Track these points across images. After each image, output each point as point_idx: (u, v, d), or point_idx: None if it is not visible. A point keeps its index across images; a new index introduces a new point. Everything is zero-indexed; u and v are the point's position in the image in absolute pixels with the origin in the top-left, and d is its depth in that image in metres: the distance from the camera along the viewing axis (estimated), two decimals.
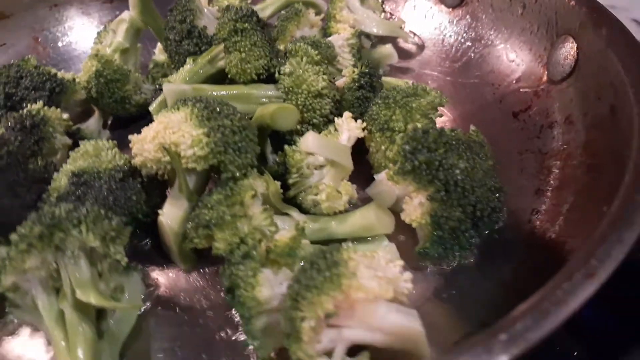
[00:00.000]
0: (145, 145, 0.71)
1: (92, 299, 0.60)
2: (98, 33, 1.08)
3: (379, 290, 0.54)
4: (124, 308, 0.64)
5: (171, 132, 0.70)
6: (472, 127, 0.74)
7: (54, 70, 0.94)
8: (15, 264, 0.61)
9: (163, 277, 0.75)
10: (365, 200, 0.79)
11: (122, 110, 1.00)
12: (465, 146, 0.70)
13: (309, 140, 0.73)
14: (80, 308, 0.62)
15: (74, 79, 0.96)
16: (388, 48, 1.09)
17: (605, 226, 0.48)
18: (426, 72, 1.09)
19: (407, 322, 0.56)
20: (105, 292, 0.64)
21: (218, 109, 0.72)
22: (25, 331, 0.70)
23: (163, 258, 0.77)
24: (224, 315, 0.70)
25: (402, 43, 1.15)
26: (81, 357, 0.58)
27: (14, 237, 0.61)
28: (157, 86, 0.97)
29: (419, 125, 0.76)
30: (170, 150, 0.69)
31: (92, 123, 0.99)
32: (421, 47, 1.13)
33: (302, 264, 0.60)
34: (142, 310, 0.70)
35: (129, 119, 1.03)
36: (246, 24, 0.85)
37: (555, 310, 0.42)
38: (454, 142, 0.69)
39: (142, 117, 1.02)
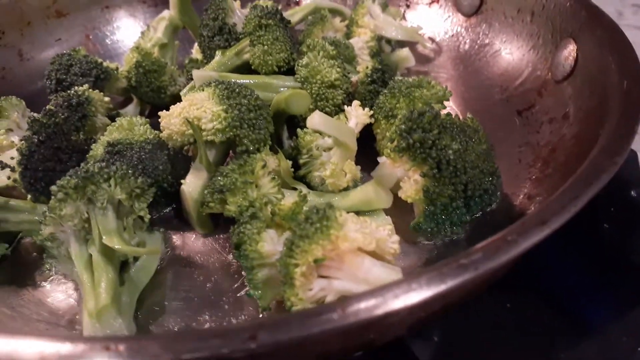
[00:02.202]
0: (172, 119, 0.81)
1: (116, 244, 0.68)
2: (142, 32, 1.20)
3: (362, 240, 0.60)
4: (142, 252, 0.73)
5: (195, 108, 0.79)
6: (468, 114, 0.80)
7: (100, 60, 1.06)
8: (54, 213, 0.70)
9: (182, 240, 0.83)
10: None
11: (158, 100, 1.10)
12: (459, 129, 0.76)
13: (315, 118, 0.81)
14: (105, 254, 0.70)
15: (117, 68, 1.08)
16: (405, 51, 1.16)
17: (568, 184, 0.54)
18: (441, 75, 1.15)
19: (390, 276, 0.61)
20: (129, 242, 0.72)
21: (237, 89, 0.81)
22: (57, 278, 0.79)
23: (183, 224, 0.86)
24: (234, 274, 0.77)
25: (420, 49, 1.22)
26: (102, 291, 0.66)
27: (53, 188, 0.71)
28: (188, 76, 1.07)
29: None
30: (192, 123, 0.78)
31: (131, 109, 1.10)
32: (438, 52, 1.20)
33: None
34: (161, 265, 0.78)
35: (164, 109, 1.13)
36: (270, 21, 0.95)
37: (506, 248, 0.47)
38: (448, 125, 0.75)
39: None
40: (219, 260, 0.80)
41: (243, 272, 0.77)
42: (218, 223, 0.84)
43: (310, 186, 0.86)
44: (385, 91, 0.88)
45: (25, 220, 0.81)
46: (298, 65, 0.92)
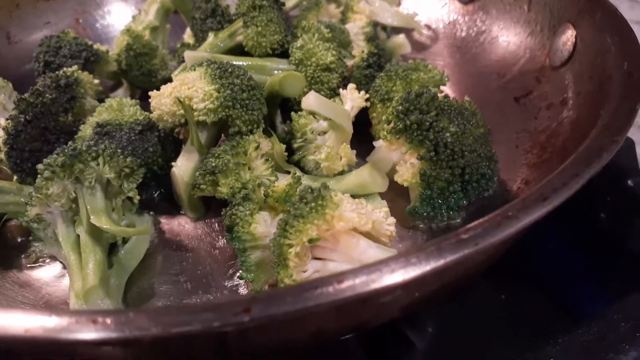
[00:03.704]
0: (163, 99, 0.78)
1: (104, 224, 0.66)
2: (133, 17, 1.18)
3: (358, 221, 0.58)
4: (131, 233, 0.71)
5: (186, 88, 0.77)
6: (466, 98, 0.79)
7: (90, 42, 1.03)
8: (40, 193, 0.68)
9: (172, 224, 0.81)
10: None
11: (149, 84, 1.07)
12: (457, 112, 0.74)
13: (310, 99, 0.79)
14: (93, 234, 0.68)
15: (107, 51, 1.05)
16: (401, 38, 1.14)
17: (569, 162, 0.52)
18: (437, 62, 1.14)
19: (386, 257, 0.60)
20: (118, 223, 0.70)
21: (230, 69, 0.79)
22: (44, 260, 0.77)
23: (173, 207, 0.83)
24: (226, 258, 0.75)
25: (416, 36, 1.20)
26: (90, 272, 0.64)
27: (40, 166, 0.69)
28: (180, 60, 1.04)
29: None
30: (183, 103, 0.76)
31: (120, 93, 1.08)
32: (434, 39, 1.19)
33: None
34: (150, 248, 0.76)
35: None
36: (264, 2, 0.93)
37: (507, 223, 0.46)
38: (445, 107, 0.74)
39: None
40: (210, 244, 0.78)
41: (236, 256, 0.75)
42: (209, 207, 0.82)
43: (304, 170, 0.84)
44: (382, 74, 0.86)
45: (10, 201, 0.79)
46: (292, 47, 0.90)
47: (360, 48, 1.02)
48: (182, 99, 0.76)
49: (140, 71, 1.05)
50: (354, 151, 0.84)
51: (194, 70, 0.80)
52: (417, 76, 0.83)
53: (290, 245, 0.59)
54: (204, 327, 0.39)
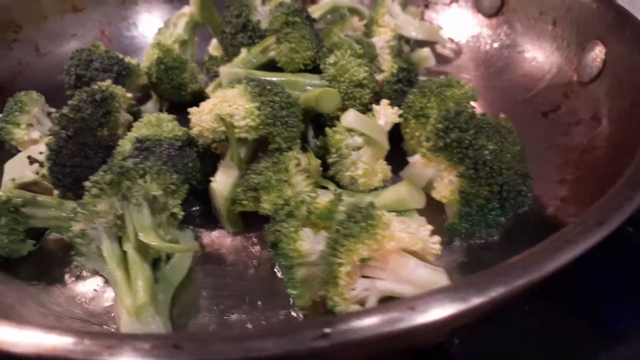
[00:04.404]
0: (203, 116, 0.80)
1: (153, 241, 0.68)
2: (159, 29, 1.19)
3: (409, 241, 0.60)
4: (181, 250, 0.72)
5: (227, 105, 0.78)
6: (501, 115, 0.80)
7: (121, 55, 1.04)
8: (87, 209, 0.69)
9: (211, 238, 0.82)
10: None
11: (178, 97, 1.09)
12: (495, 130, 0.76)
13: (350, 116, 0.81)
14: (141, 251, 0.69)
15: (138, 64, 1.06)
16: (426, 51, 1.16)
17: (621, 183, 0.54)
18: (462, 75, 1.15)
19: (435, 276, 0.61)
20: (165, 239, 0.72)
21: (268, 87, 0.80)
22: (86, 275, 0.78)
23: (212, 222, 0.85)
24: (267, 272, 0.77)
25: (440, 49, 1.22)
26: (140, 288, 0.65)
27: (87, 183, 0.70)
28: (212, 73, 1.05)
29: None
30: (225, 120, 0.77)
31: (150, 106, 1.09)
32: (458, 52, 1.20)
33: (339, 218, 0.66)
34: (193, 263, 0.77)
35: (183, 107, 1.12)
36: (297, 18, 0.94)
37: (566, 248, 0.47)
38: (484, 125, 0.75)
39: (196, 105, 1.12)
40: (250, 258, 0.79)
41: (276, 270, 0.77)
42: (248, 221, 0.84)
43: (339, 185, 0.85)
44: (416, 90, 0.87)
45: (52, 216, 0.80)
46: (325, 63, 0.92)
47: (386, 62, 1.03)
48: (223, 117, 0.77)
49: (171, 84, 1.06)
50: (389, 167, 0.85)
51: (233, 87, 0.81)
52: (451, 93, 0.84)
53: (341, 264, 0.61)
54: (281, 352, 0.40)
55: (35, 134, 0.97)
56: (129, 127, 0.95)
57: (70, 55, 1.06)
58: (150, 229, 0.69)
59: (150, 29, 1.28)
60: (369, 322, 0.40)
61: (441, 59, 1.20)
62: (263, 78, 0.90)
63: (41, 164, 0.80)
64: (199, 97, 1.10)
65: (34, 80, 1.14)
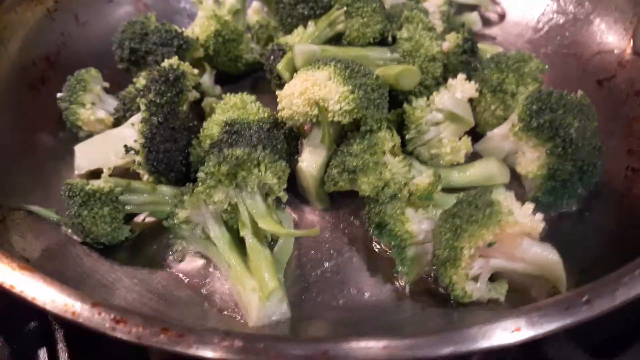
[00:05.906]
0: (294, 100, 0.80)
1: (273, 227, 0.71)
2: None
3: (531, 225, 0.64)
4: (304, 234, 0.76)
5: (318, 89, 0.79)
6: (580, 92, 0.83)
7: (179, 28, 1.02)
8: (202, 198, 0.71)
9: (301, 216, 0.86)
10: (470, 157, 0.89)
11: (234, 68, 1.08)
12: (579, 108, 0.79)
13: (445, 99, 0.83)
14: (259, 237, 0.72)
15: (197, 38, 1.04)
16: (474, 15, 1.17)
17: None
18: (509, 39, 1.17)
19: (548, 254, 0.66)
20: (281, 224, 0.74)
21: (356, 69, 0.81)
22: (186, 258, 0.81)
23: (298, 200, 0.87)
24: (361, 247, 0.81)
25: (483, 11, 1.22)
26: (267, 274, 0.69)
27: (200, 174, 0.72)
28: (273, 47, 1.04)
29: (530, 88, 0.86)
30: (320, 105, 0.78)
31: (207, 79, 1.08)
32: (502, 16, 1.21)
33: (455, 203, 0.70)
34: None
35: (230, 76, 1.11)
36: None
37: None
38: (570, 105, 0.79)
39: (247, 75, 1.12)
40: (343, 234, 0.83)
41: (374, 245, 0.81)
42: (333, 198, 0.87)
43: (418, 160, 0.88)
44: (491, 65, 0.90)
45: (147, 201, 0.81)
46: (399, 37, 0.92)
47: (437, 27, 1.04)
48: (318, 101, 0.78)
49: (228, 57, 1.06)
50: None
51: (319, 68, 0.82)
52: (529, 68, 0.87)
53: (463, 248, 0.65)
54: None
55: (100, 113, 0.96)
56: (193, 104, 0.95)
57: (122, 28, 1.03)
58: (267, 215, 0.72)
59: None
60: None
61: (484, 22, 1.21)
62: (337, 54, 0.91)
63: (136, 152, 0.80)
64: (252, 67, 1.11)
65: (77, 51, 1.11)
